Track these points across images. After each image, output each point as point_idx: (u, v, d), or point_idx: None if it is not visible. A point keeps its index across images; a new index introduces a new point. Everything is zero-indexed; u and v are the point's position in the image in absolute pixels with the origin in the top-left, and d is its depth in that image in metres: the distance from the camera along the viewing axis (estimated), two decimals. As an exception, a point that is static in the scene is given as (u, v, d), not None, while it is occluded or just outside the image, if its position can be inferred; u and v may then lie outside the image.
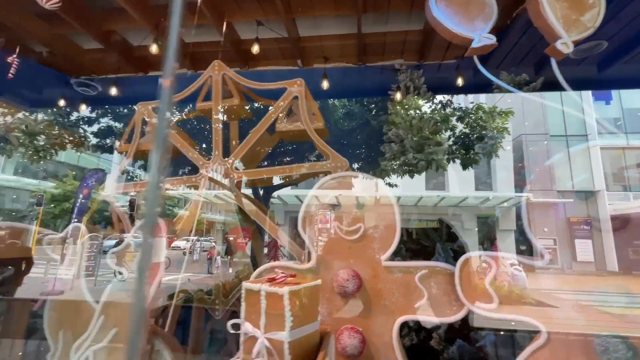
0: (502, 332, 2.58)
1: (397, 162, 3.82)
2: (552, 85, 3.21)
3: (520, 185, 15.10)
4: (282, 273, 1.76)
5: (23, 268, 4.80)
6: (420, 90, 3.72)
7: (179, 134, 3.06)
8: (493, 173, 15.19)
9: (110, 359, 1.60)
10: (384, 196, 2.48)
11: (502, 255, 2.42)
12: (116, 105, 7.96)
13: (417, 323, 2.71)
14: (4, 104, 5.30)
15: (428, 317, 2.16)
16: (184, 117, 4.09)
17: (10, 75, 3.23)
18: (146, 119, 3.06)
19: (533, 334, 2.48)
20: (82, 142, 6.67)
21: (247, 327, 1.66)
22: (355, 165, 9.12)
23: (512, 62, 3.94)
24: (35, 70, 4.78)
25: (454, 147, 6.56)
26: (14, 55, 3.30)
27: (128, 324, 1.89)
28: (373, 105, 7.93)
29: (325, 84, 3.92)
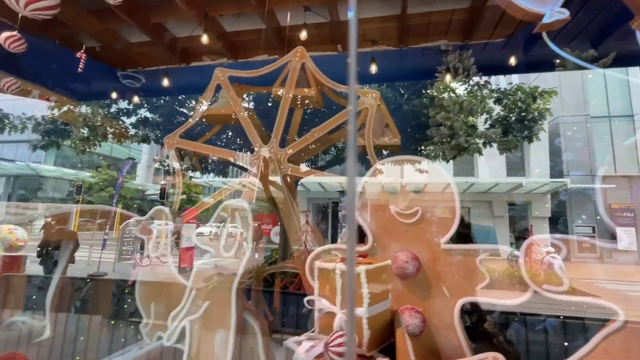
0: (561, 317, 2.55)
1: (448, 145, 3.74)
2: (621, 61, 3.01)
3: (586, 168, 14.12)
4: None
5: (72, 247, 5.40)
6: (469, 72, 3.59)
7: (248, 111, 3.12)
8: (527, 158, 14.51)
9: (204, 327, 1.76)
10: (442, 181, 2.47)
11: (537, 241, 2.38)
12: (159, 96, 8.24)
13: (471, 305, 2.72)
14: (57, 96, 5.64)
15: (490, 299, 2.18)
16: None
17: (79, 69, 3.43)
18: (221, 85, 3.10)
19: (591, 320, 2.44)
20: (125, 134, 7.00)
21: (324, 303, 1.74)
22: (385, 152, 9.00)
23: (567, 38, 3.71)
24: (84, 64, 5.03)
25: (490, 131, 6.33)
26: (82, 51, 3.49)
27: (216, 299, 2.02)
28: (405, 90, 7.73)
29: (373, 68, 3.87)
